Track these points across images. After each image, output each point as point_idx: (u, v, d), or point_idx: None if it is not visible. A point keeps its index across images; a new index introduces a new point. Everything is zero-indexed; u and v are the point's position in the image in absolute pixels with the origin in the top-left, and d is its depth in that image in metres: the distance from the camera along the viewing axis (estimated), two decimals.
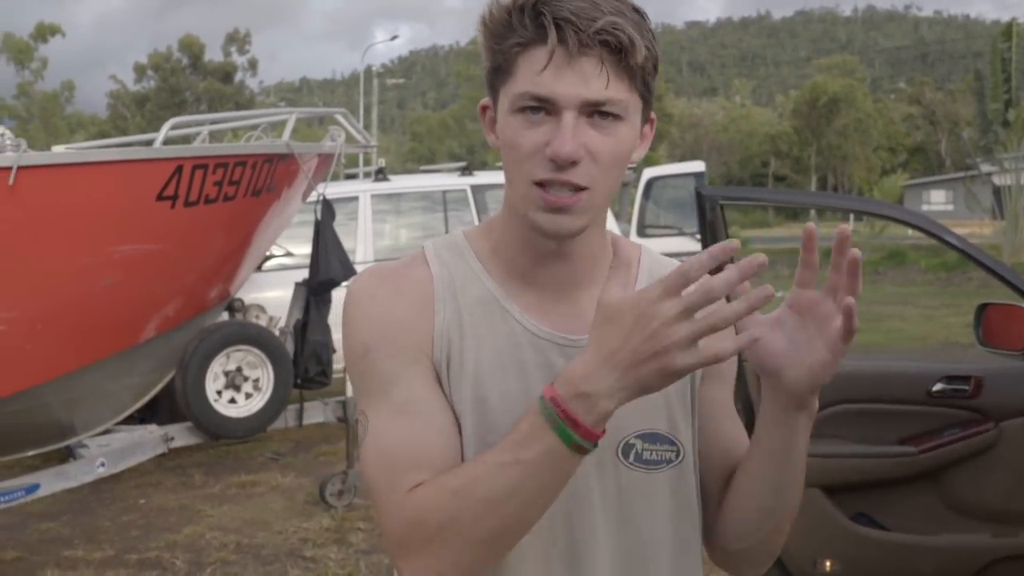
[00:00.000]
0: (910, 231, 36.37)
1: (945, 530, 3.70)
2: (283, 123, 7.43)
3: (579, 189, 1.32)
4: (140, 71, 77.78)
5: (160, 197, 6.12)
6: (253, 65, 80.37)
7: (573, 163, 1.30)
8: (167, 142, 6.77)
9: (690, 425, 1.48)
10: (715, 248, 1.15)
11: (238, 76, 79.11)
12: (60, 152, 6.83)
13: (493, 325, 1.42)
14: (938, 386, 3.69)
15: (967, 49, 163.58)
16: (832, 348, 1.29)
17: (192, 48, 76.55)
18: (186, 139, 7.90)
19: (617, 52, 1.29)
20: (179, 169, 6.15)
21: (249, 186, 6.65)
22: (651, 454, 1.44)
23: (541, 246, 1.41)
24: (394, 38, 51.64)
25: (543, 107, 1.32)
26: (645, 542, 1.45)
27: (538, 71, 1.30)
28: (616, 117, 1.32)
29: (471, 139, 75.81)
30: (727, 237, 3.60)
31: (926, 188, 62.87)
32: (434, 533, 1.26)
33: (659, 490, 1.45)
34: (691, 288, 1.16)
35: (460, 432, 1.38)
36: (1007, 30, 25.52)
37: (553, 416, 1.20)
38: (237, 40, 79.12)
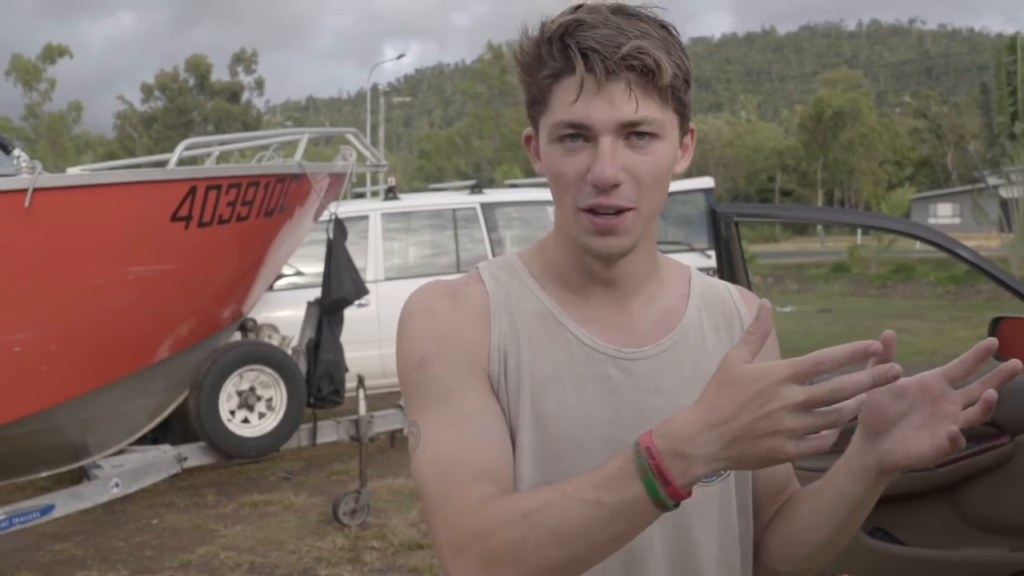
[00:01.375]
0: (918, 244, 36.37)
1: (962, 545, 3.68)
2: (294, 143, 7.47)
3: (624, 210, 1.36)
4: (147, 91, 78.13)
5: (174, 218, 6.15)
6: (260, 84, 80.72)
7: (615, 186, 1.34)
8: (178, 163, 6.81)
9: None
10: (859, 348, 1.13)
11: (245, 96, 79.43)
12: (75, 174, 6.87)
13: (551, 339, 1.44)
14: None
15: (972, 62, 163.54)
16: (935, 447, 1.28)
17: (199, 68, 76.93)
18: (194, 160, 7.94)
19: (645, 75, 1.33)
20: (193, 190, 6.18)
21: (262, 206, 6.68)
22: None
23: (592, 267, 1.45)
24: (400, 56, 51.81)
25: (581, 134, 1.35)
26: (697, 557, 1.47)
27: (571, 101, 1.34)
28: (652, 136, 1.36)
29: (477, 156, 75.94)
30: (742, 254, 3.61)
31: (933, 201, 62.77)
32: (496, 549, 1.25)
33: (709, 504, 1.48)
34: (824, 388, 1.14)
35: (515, 444, 1.40)
36: (1012, 43, 25.52)
37: (645, 467, 1.18)
38: (244, 60, 79.47)
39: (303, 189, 7.13)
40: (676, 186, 14.11)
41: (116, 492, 6.35)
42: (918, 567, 3.66)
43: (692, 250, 10.63)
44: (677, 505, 1.19)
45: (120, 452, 6.98)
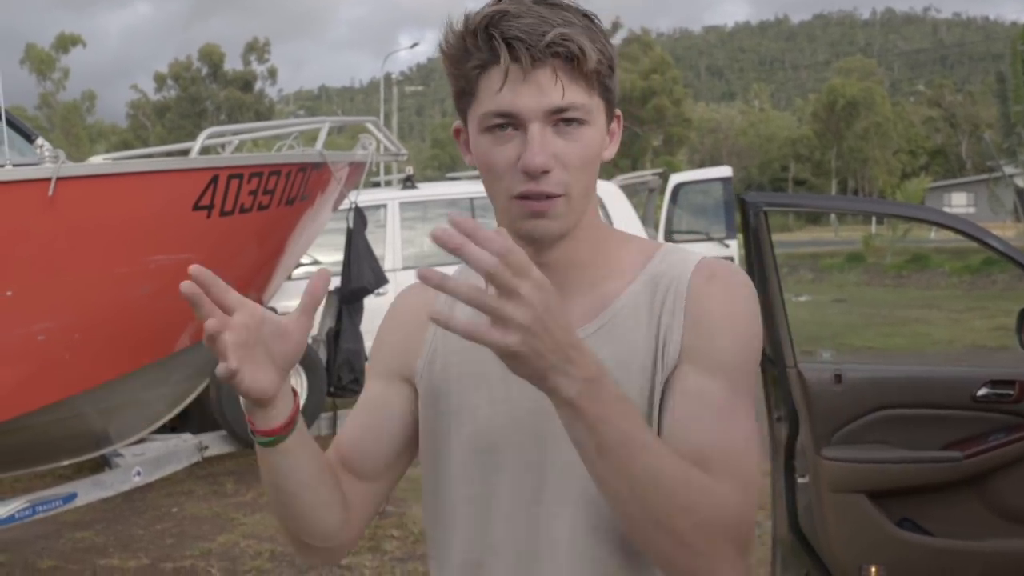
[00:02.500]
0: (933, 233, 36.26)
1: (991, 535, 3.68)
2: (308, 132, 7.47)
3: (554, 196, 1.37)
4: (160, 81, 78.24)
5: (196, 207, 6.15)
6: (272, 74, 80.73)
7: (545, 172, 1.36)
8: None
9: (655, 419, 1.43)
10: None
11: (257, 85, 79.46)
12: (98, 163, 6.87)
13: None
14: (983, 391, 3.67)
15: (987, 51, 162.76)
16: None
17: (212, 57, 76.96)
18: (207, 149, 7.93)
19: (570, 61, 1.34)
20: (215, 179, 6.18)
21: (283, 195, 6.68)
22: None
23: (527, 254, 1.44)
24: (414, 45, 51.71)
25: (510, 123, 1.36)
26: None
27: (497, 90, 1.36)
28: (580, 122, 1.37)
29: None
30: (770, 243, 3.60)
31: (947, 191, 62.57)
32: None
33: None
34: None
35: (452, 438, 1.50)
36: None
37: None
38: (257, 49, 79.48)
39: (324, 178, 7.13)
40: (694, 175, 14.09)
41: (138, 480, 6.38)
42: (946, 558, 3.65)
43: (710, 239, 10.60)
44: (264, 443, 1.36)
45: (141, 441, 7.00)
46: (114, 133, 77.68)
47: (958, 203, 61.04)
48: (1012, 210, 27.42)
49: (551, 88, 1.34)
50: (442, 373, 1.49)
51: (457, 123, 1.49)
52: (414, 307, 1.55)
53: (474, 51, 1.37)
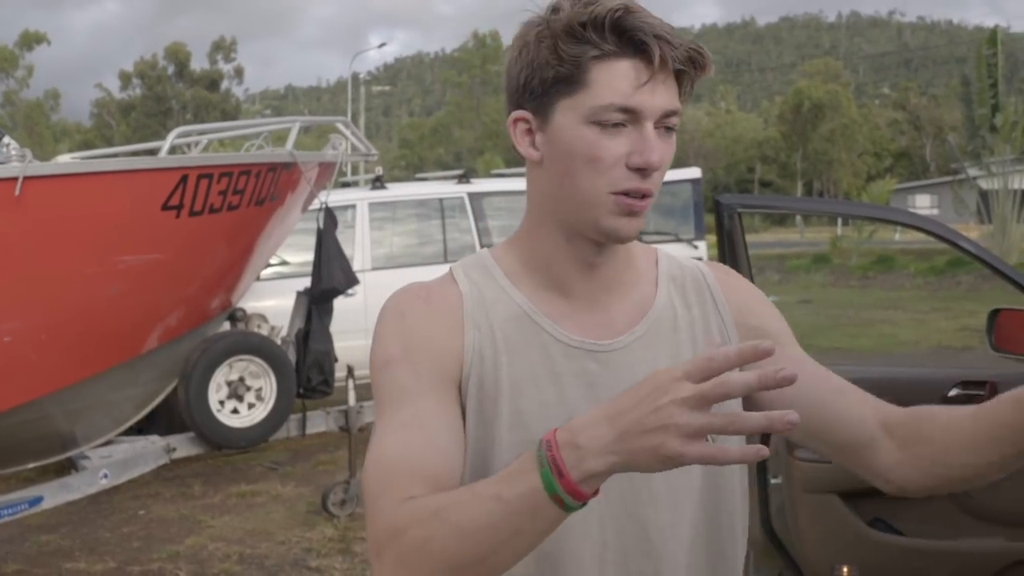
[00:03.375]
0: (898, 235, 36.48)
1: (961, 534, 3.70)
2: (277, 132, 7.43)
3: (649, 196, 1.40)
4: (126, 79, 77.64)
5: (165, 207, 6.11)
6: (239, 73, 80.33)
7: (656, 170, 1.38)
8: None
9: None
10: (747, 348, 1.11)
11: (224, 84, 79.02)
12: (66, 162, 6.81)
13: (526, 339, 1.45)
14: (954, 391, 3.69)
15: (950, 55, 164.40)
16: None
17: (178, 56, 76.45)
18: (175, 149, 7.88)
19: (698, 70, 1.38)
20: (184, 179, 6.14)
21: (253, 195, 6.64)
22: None
23: (582, 255, 1.45)
24: (382, 45, 51.69)
25: (624, 118, 1.36)
26: (687, 537, 1.48)
27: (632, 85, 1.34)
28: (673, 129, 1.41)
29: (458, 146, 75.86)
30: (744, 245, 3.61)
31: (912, 193, 63.12)
32: (407, 547, 1.23)
33: (696, 484, 1.49)
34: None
35: (495, 446, 1.42)
36: (993, 36, 25.64)
37: (543, 459, 1.15)
38: (223, 48, 79.04)
39: (294, 178, 7.10)
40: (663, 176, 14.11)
41: (105, 483, 6.31)
42: (917, 557, 3.67)
43: (679, 240, 10.62)
44: (578, 504, 1.15)
45: (108, 443, 6.94)
46: (78, 132, 77.04)
47: (922, 205, 61.55)
48: (975, 212, 27.67)
49: (676, 92, 1.38)
50: (490, 377, 1.44)
51: (519, 112, 1.44)
52: (436, 299, 1.47)
53: (597, 40, 1.34)
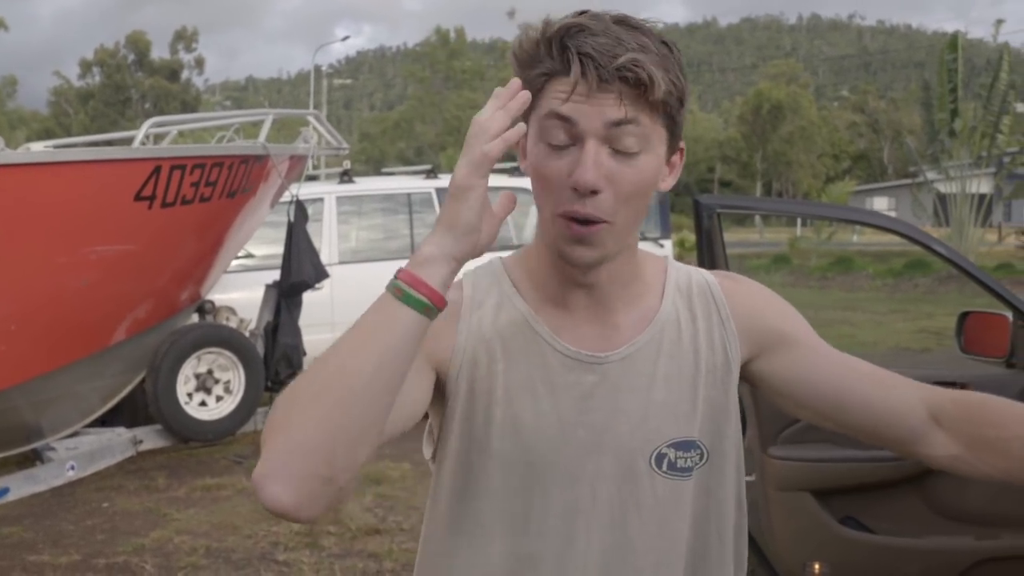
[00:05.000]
0: (855, 237, 36.74)
1: (930, 533, 3.76)
2: (253, 123, 7.40)
3: (598, 222, 1.36)
4: (85, 67, 76.76)
5: (138, 197, 6.07)
6: (200, 63, 79.65)
7: (594, 192, 1.34)
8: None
9: (724, 426, 1.53)
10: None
11: (184, 74, 78.32)
12: (39, 151, 6.75)
13: (525, 347, 1.47)
14: None
15: (909, 59, 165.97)
16: None
17: (138, 45, 75.66)
18: (126, 141, 7.83)
19: (637, 87, 1.34)
20: (157, 169, 6.11)
21: (225, 187, 6.62)
22: (683, 461, 1.49)
23: (569, 273, 1.46)
24: (345, 38, 51.33)
25: (568, 135, 1.36)
26: (676, 549, 1.50)
27: (562, 99, 1.35)
28: (635, 152, 1.36)
29: (419, 141, 75.61)
30: (723, 245, 3.65)
31: (870, 195, 63.74)
32: (288, 401, 1.24)
33: (687, 495, 1.50)
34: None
35: (488, 450, 1.46)
36: (953, 42, 25.89)
37: (393, 282, 1.26)
38: (185, 38, 78.34)
39: (265, 171, 7.08)
40: None
41: (72, 475, 6.28)
42: (887, 554, 3.73)
43: (644, 239, 10.67)
44: (420, 297, 1.24)
45: (74, 434, 6.88)
46: (35, 120, 76.02)
47: (880, 207, 62.11)
48: (933, 214, 27.99)
49: (613, 111, 1.34)
50: (484, 384, 1.46)
51: (522, 126, 1.45)
52: (449, 306, 1.46)
53: (545, 58, 1.37)
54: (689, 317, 1.53)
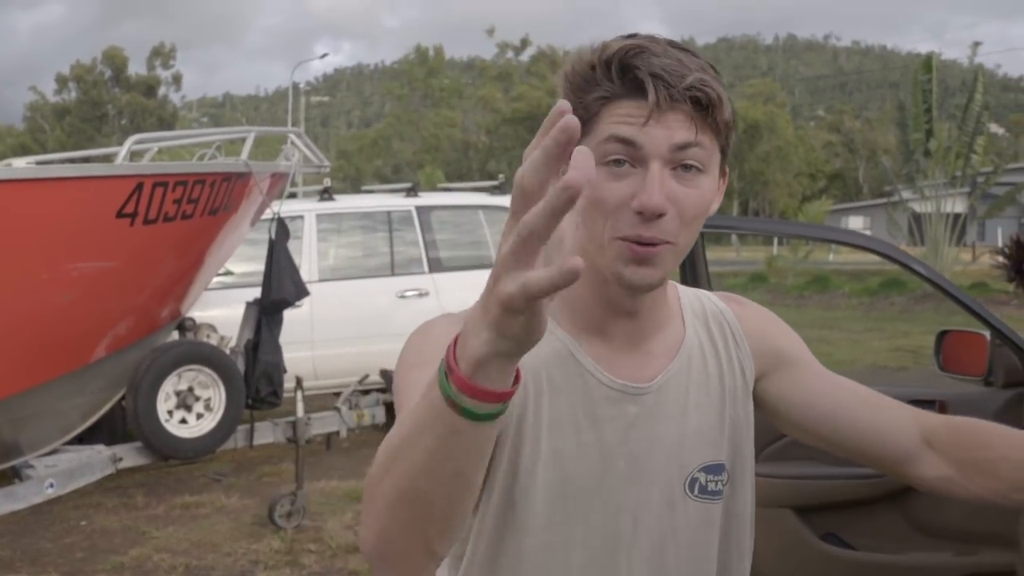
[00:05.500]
0: (832, 256, 36.89)
1: (910, 549, 3.79)
2: (234, 141, 7.41)
3: (662, 243, 1.35)
4: (61, 83, 76.44)
5: (120, 214, 6.06)
6: (177, 80, 79.47)
7: (660, 216, 1.32)
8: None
9: (744, 446, 1.56)
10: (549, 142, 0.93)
11: (161, 90, 78.13)
12: (21, 167, 6.73)
13: (568, 379, 1.45)
14: None
15: (884, 79, 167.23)
16: None
17: (115, 60, 75.43)
18: (108, 158, 7.81)
19: (705, 108, 1.33)
20: (140, 186, 6.10)
21: (207, 204, 6.61)
22: (714, 484, 1.51)
23: (616, 300, 1.44)
24: (324, 56, 51.43)
25: (628, 158, 1.33)
26: (707, 570, 1.52)
27: (625, 123, 1.32)
28: (698, 170, 1.35)
29: (397, 159, 75.64)
30: (705, 265, 3.69)
31: (845, 214, 64.17)
32: (366, 493, 1.14)
33: (716, 518, 1.52)
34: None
35: (532, 481, 1.42)
36: (927, 63, 26.12)
37: (440, 363, 1.03)
38: (162, 54, 78.18)
39: (247, 188, 7.08)
40: None
41: (51, 492, 6.23)
42: (868, 571, 3.76)
43: None
44: (481, 407, 0.99)
45: (53, 452, 6.84)
46: (10, 135, 75.64)
47: (855, 226, 62.55)
48: (908, 233, 28.19)
49: (682, 131, 1.32)
50: (531, 417, 1.43)
51: None
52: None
53: (603, 81, 1.34)
54: (710, 342, 1.55)
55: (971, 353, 3.80)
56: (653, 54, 1.33)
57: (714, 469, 1.50)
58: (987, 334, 3.69)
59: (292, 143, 7.59)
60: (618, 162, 1.33)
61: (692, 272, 3.64)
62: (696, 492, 1.49)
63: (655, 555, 1.47)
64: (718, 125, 1.35)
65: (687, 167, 1.35)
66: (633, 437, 1.45)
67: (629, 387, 1.46)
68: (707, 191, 1.37)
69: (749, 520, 1.59)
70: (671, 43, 1.37)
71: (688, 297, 1.59)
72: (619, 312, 1.45)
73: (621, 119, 1.32)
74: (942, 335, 3.96)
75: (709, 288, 3.67)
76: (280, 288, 7.34)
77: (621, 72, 1.33)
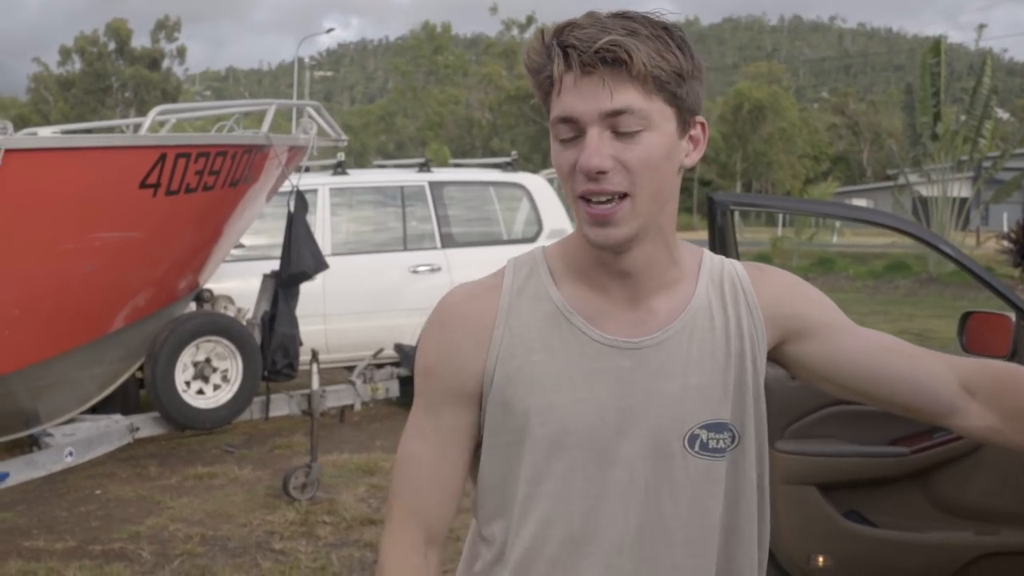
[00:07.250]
0: (835, 238, 36.84)
1: (931, 527, 3.83)
2: (254, 114, 7.40)
3: (621, 197, 1.43)
4: (65, 54, 76.15)
5: (143, 185, 6.07)
6: (181, 53, 79.13)
7: (601, 172, 1.41)
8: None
9: (751, 410, 1.59)
10: None
11: (165, 63, 77.80)
12: (47, 136, 6.74)
13: (561, 337, 1.53)
14: None
15: (889, 62, 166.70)
16: None
17: (120, 33, 75.11)
18: (112, 129, 7.81)
19: (617, 66, 1.39)
20: (163, 157, 6.10)
21: (228, 176, 6.62)
22: (716, 442, 1.55)
23: (605, 260, 1.52)
24: (330, 31, 51.30)
25: (573, 129, 1.43)
26: (709, 526, 1.56)
27: (562, 94, 1.43)
28: (639, 129, 1.42)
29: (400, 135, 75.43)
30: (735, 242, 3.72)
31: (850, 196, 64.06)
32: None
33: (720, 475, 1.56)
34: None
35: (527, 436, 1.53)
36: (936, 46, 26.05)
37: None
38: (167, 27, 77.84)
39: (267, 161, 7.09)
40: None
41: (70, 461, 6.27)
42: (889, 548, 3.80)
43: None
44: None
45: (70, 421, 6.87)
46: (13, 106, 75.40)
47: None
48: (912, 216, 28.17)
49: (600, 93, 1.39)
50: (522, 373, 1.52)
51: None
52: (469, 314, 1.57)
53: (545, 62, 1.44)
54: (720, 304, 1.59)
55: (995, 334, 3.82)
56: (579, 27, 1.41)
57: (716, 427, 1.55)
58: (1012, 315, 3.71)
59: (310, 116, 7.58)
60: (566, 140, 1.45)
61: (722, 249, 3.67)
62: (697, 448, 1.54)
63: (651, 505, 1.53)
64: (643, 80, 1.40)
65: (625, 131, 1.42)
66: (629, 391, 1.51)
67: (620, 341, 1.52)
68: (652, 145, 1.43)
69: (762, 486, 1.62)
70: (616, 13, 1.43)
71: (712, 263, 1.64)
72: (612, 271, 1.53)
73: (562, 94, 1.42)
74: (966, 316, 3.99)
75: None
76: (299, 261, 7.36)
77: (556, 50, 1.42)
